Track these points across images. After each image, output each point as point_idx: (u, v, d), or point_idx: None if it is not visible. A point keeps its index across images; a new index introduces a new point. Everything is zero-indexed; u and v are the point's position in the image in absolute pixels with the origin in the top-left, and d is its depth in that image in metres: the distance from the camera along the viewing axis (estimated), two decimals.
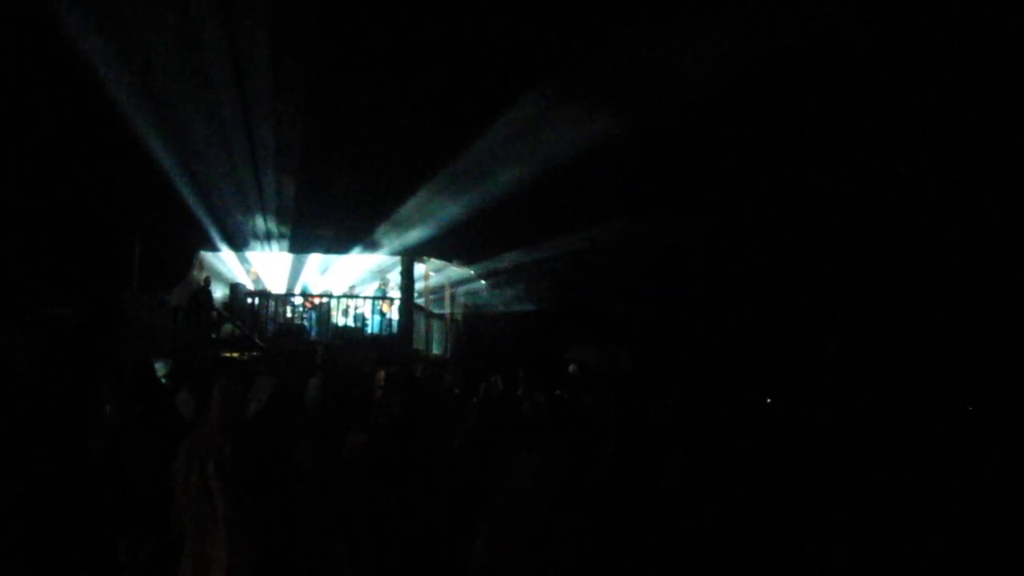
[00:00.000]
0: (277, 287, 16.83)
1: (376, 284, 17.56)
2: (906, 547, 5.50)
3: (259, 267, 16.77)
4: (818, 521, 5.73)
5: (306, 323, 15.58)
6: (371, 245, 15.62)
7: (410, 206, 14.58)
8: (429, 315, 17.23)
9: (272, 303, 15.61)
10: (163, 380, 7.20)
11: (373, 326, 15.68)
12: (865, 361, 13.91)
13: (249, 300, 15.35)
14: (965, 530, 5.59)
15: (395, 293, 16.27)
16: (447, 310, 18.60)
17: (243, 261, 16.49)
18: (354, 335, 15.19)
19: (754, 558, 5.15)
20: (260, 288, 16.37)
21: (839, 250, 13.84)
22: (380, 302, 16.06)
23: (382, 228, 15.10)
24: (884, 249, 13.72)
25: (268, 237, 15.55)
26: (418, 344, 15.90)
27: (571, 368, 14.04)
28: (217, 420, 3.72)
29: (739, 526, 5.36)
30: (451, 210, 14.85)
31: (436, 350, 17.04)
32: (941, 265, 13.38)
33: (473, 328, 18.73)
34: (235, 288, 15.62)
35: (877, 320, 14.36)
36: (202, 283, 14.48)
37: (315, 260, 16.82)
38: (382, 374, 9.67)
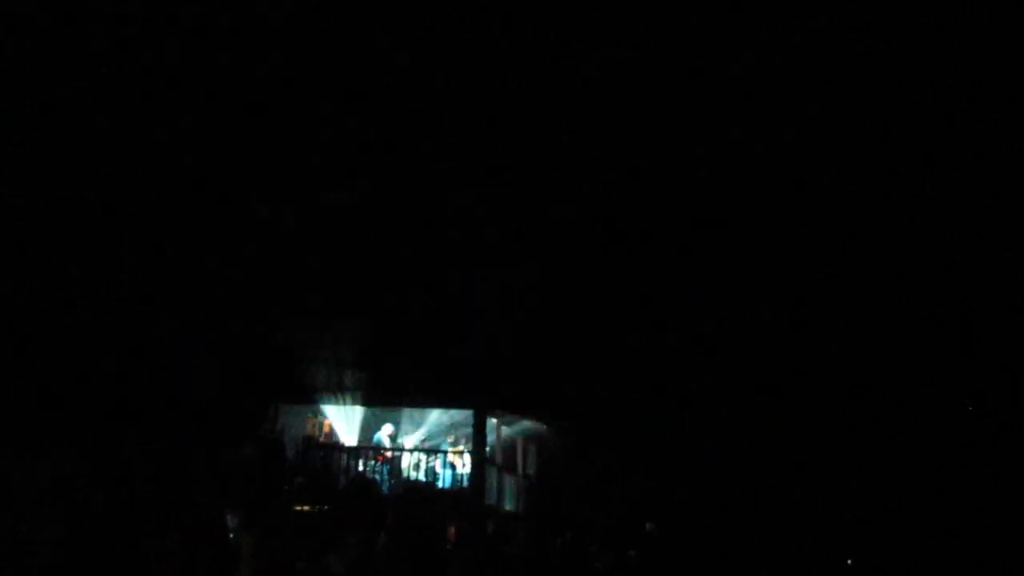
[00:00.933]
0: (349, 440, 16.80)
1: (448, 438, 17.40)
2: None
3: (331, 419, 16.83)
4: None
5: (377, 477, 15.40)
6: (444, 399, 15.60)
7: (482, 358, 14.64)
8: (500, 469, 16.89)
9: (344, 456, 15.55)
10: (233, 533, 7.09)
11: (444, 481, 15.42)
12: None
13: (321, 453, 15.33)
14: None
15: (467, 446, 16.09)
16: (519, 465, 18.24)
17: (315, 413, 16.60)
18: (425, 490, 14.90)
19: None
20: (332, 441, 16.36)
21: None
22: (452, 456, 15.86)
23: (454, 381, 15.12)
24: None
25: (341, 389, 15.71)
26: (490, 499, 15.51)
27: (648, 526, 13.45)
28: None
29: None
30: (523, 363, 14.84)
31: (508, 505, 16.58)
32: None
33: (546, 483, 18.25)
34: (307, 441, 15.64)
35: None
36: (276, 435, 14.56)
37: (388, 413, 16.84)
38: (453, 530, 9.40)
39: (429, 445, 16.95)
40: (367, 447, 16.22)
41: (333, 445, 16.00)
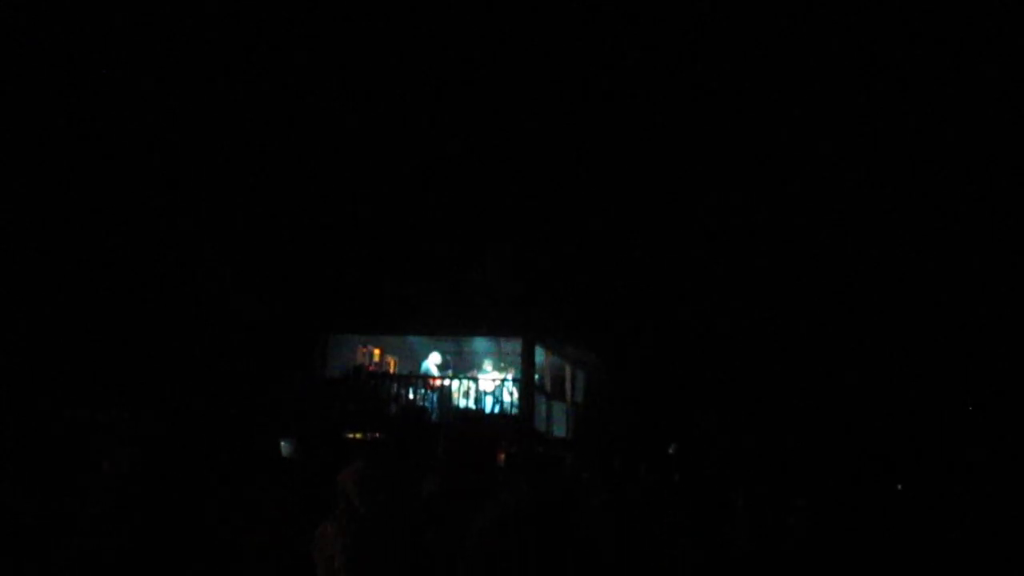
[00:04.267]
0: (400, 368, 17.00)
1: (497, 365, 17.48)
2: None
3: (383, 348, 17.01)
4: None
5: (427, 405, 15.57)
6: (492, 327, 15.62)
7: (529, 287, 14.57)
8: (549, 397, 16.95)
9: (394, 385, 15.72)
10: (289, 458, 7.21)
11: (494, 408, 15.53)
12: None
13: (372, 382, 15.52)
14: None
15: (515, 374, 16.15)
16: (568, 392, 18.28)
17: (367, 343, 16.77)
18: (475, 417, 15.04)
19: None
20: (383, 370, 16.54)
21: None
22: (501, 384, 15.93)
23: (502, 309, 15.11)
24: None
25: (390, 319, 15.81)
26: (539, 426, 15.60)
27: (671, 449, 13.43)
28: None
29: None
30: (570, 291, 14.73)
31: (557, 432, 16.68)
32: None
33: (593, 410, 18.31)
34: (358, 370, 15.84)
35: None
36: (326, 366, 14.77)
37: (436, 341, 16.93)
38: (503, 455, 9.41)
39: (478, 373, 17.06)
40: (417, 376, 16.37)
41: (383, 374, 16.17)
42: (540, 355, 16.71)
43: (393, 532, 3.77)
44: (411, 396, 15.69)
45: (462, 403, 15.60)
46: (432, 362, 16.11)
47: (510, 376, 16.27)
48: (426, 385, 16.01)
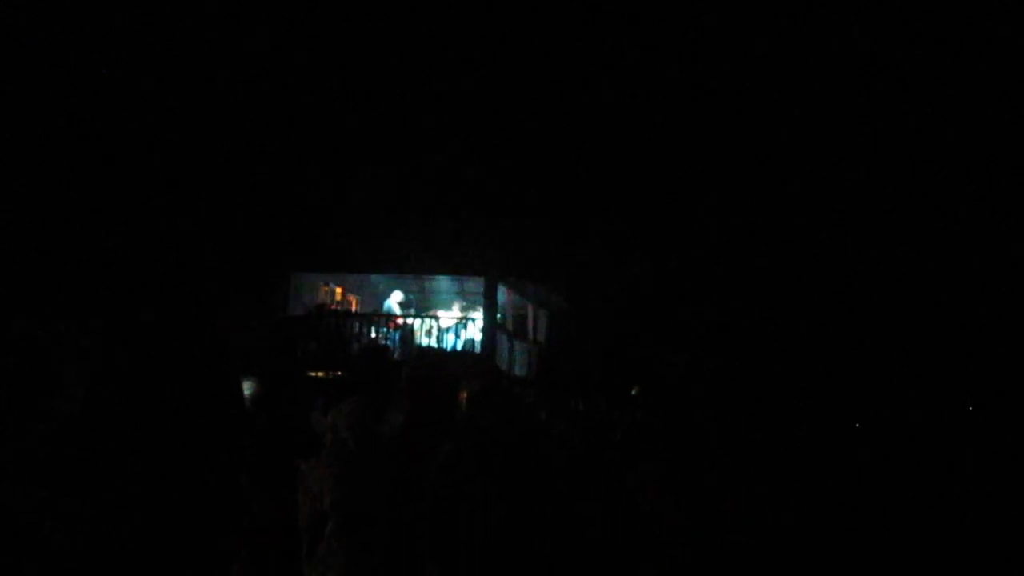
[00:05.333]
0: (361, 307, 16.95)
1: (459, 304, 17.52)
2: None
3: (344, 286, 16.93)
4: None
5: (390, 343, 15.59)
6: (454, 266, 15.61)
7: (492, 226, 14.52)
8: (511, 335, 17.08)
9: (356, 323, 15.70)
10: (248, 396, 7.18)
11: (456, 347, 15.63)
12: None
13: (334, 320, 15.48)
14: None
15: (477, 313, 16.22)
16: (530, 331, 18.42)
17: (328, 282, 16.67)
18: (437, 356, 15.11)
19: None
20: (344, 308, 16.50)
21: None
22: (463, 323, 16.00)
23: (465, 248, 15.08)
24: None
25: (352, 258, 15.70)
26: (501, 365, 15.73)
27: (633, 391, 13.69)
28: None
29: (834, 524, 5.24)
30: (533, 230, 14.72)
31: (519, 371, 16.85)
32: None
33: (555, 349, 18.49)
34: (320, 308, 15.77)
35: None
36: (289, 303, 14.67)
37: (398, 280, 16.89)
38: (464, 394, 9.50)
39: (440, 312, 17.09)
40: (378, 314, 16.36)
41: (345, 312, 16.13)
42: (502, 295, 16.77)
43: (378, 467, 3.82)
44: (373, 335, 15.70)
45: (424, 342, 15.66)
46: (394, 300, 16.09)
47: (473, 316, 16.34)
48: (388, 324, 16.02)
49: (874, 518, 5.44)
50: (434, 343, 15.72)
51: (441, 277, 17.03)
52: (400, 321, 16.00)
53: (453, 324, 16.02)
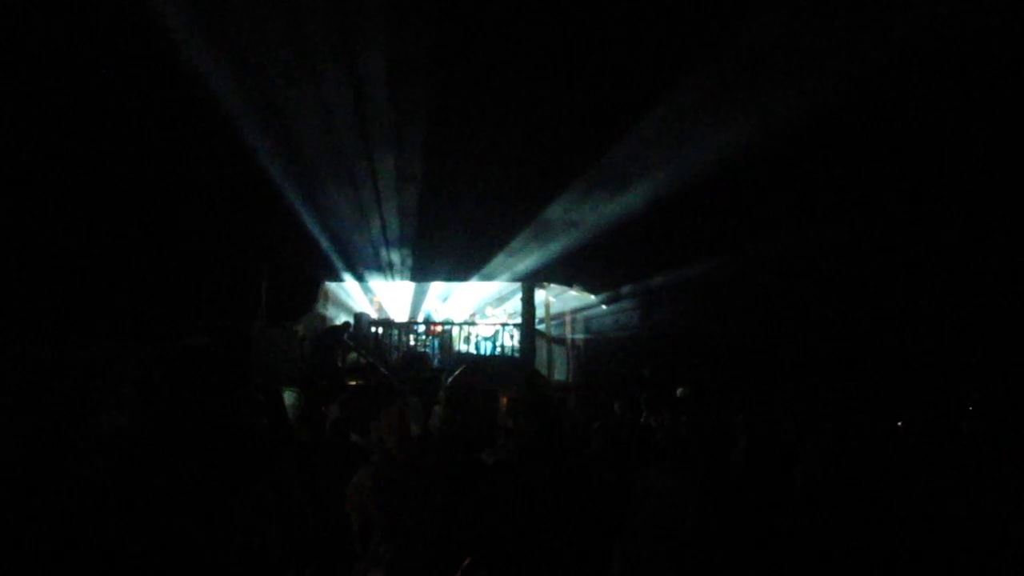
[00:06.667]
0: (400, 316, 17.03)
1: (498, 311, 17.53)
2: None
3: (382, 296, 17.02)
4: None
5: (429, 351, 15.65)
6: (491, 273, 15.60)
7: (530, 233, 14.47)
8: (550, 341, 17.04)
9: (395, 331, 15.79)
10: (291, 408, 7.22)
11: (495, 353, 15.62)
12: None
13: (373, 329, 15.58)
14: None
15: (516, 320, 16.20)
16: (568, 336, 18.37)
17: (366, 291, 16.78)
18: (476, 362, 15.13)
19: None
20: (383, 317, 16.59)
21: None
22: (502, 329, 16.00)
23: (502, 255, 15.07)
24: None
25: (390, 267, 15.78)
26: (540, 369, 15.69)
27: (679, 391, 13.55)
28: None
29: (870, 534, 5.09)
30: (572, 237, 14.63)
31: (558, 376, 16.80)
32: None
33: (595, 354, 18.40)
34: (359, 317, 15.89)
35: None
36: (326, 315, 14.79)
37: (437, 288, 16.95)
38: (505, 400, 9.49)
39: (478, 318, 17.10)
40: (417, 322, 16.43)
41: (384, 321, 16.22)
42: (540, 299, 16.74)
43: (420, 473, 3.85)
44: (412, 343, 15.77)
45: (463, 348, 15.69)
46: (433, 307, 16.15)
47: (511, 321, 16.33)
48: (428, 331, 16.09)
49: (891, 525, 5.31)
50: (473, 350, 15.74)
51: (480, 283, 17.06)
52: (439, 328, 16.06)
53: (491, 330, 16.01)
